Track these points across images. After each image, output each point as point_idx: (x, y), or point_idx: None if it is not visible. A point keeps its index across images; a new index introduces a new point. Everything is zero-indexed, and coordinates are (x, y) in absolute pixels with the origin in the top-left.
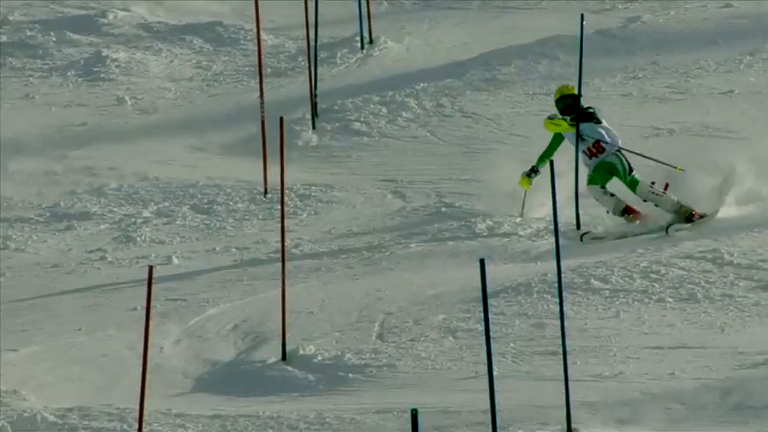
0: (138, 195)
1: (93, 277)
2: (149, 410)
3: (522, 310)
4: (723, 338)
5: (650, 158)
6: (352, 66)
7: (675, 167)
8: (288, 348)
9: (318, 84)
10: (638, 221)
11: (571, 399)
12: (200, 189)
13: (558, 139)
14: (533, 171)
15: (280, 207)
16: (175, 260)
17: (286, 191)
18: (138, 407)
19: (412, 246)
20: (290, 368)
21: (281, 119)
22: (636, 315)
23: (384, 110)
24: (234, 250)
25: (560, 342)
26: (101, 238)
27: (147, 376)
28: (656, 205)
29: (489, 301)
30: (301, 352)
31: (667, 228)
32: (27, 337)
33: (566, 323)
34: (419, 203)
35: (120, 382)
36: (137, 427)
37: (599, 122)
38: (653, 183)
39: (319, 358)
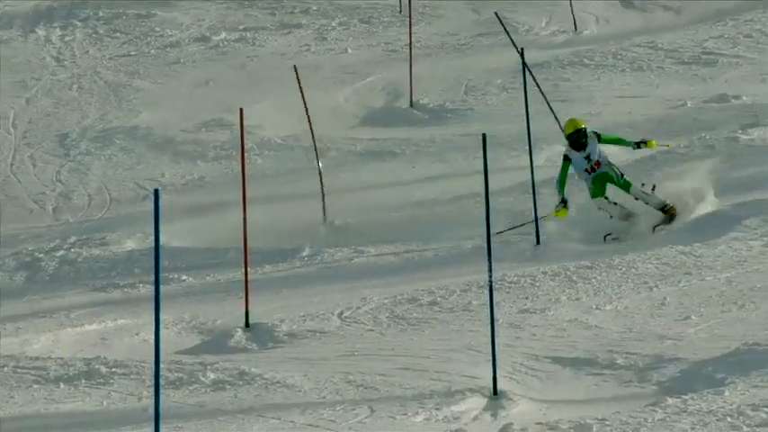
0: None
1: None
2: None
3: None
4: None
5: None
6: None
7: (667, 145)
8: None
9: None
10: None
11: None
12: None
13: (566, 166)
14: (563, 202)
15: None
16: None
17: None
18: None
19: None
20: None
21: None
22: None
23: None
24: None
25: None
26: None
27: None
28: (645, 203)
29: None
30: None
31: (654, 228)
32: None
33: None
34: None
35: None
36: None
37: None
38: (643, 184)
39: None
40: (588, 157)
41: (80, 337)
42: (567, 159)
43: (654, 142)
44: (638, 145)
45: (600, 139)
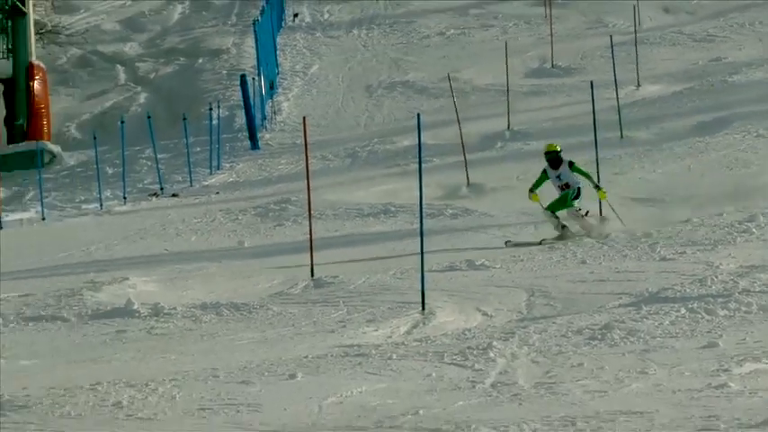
0: None
1: None
2: None
3: None
4: None
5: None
6: None
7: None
8: None
9: None
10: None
11: None
12: None
13: (543, 177)
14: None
15: None
16: None
17: None
18: None
19: None
20: None
21: None
22: None
23: None
24: None
25: None
26: None
27: None
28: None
29: None
30: None
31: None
32: None
33: None
34: None
35: None
36: None
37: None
38: (579, 209)
39: None
40: (559, 177)
41: (379, 192)
42: (544, 172)
43: (604, 195)
44: (596, 186)
45: (572, 167)
